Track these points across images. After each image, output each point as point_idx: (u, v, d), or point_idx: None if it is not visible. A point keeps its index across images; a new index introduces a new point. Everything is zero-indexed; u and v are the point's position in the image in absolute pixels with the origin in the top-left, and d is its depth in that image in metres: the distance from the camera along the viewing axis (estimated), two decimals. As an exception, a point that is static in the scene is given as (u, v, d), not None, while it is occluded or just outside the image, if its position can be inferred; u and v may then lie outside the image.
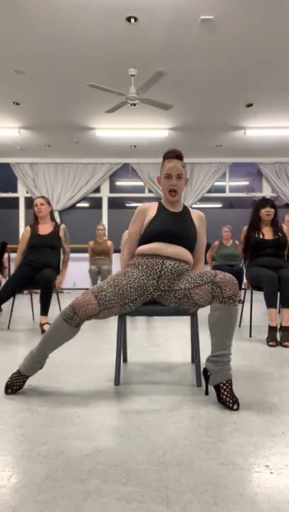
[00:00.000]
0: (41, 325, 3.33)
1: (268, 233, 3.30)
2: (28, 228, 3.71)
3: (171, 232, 1.89)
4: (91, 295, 1.72)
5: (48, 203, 3.71)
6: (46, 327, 3.29)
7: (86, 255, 8.23)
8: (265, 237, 3.26)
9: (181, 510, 0.94)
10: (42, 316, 3.39)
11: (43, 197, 3.71)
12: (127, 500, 0.97)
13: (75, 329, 1.73)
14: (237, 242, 5.65)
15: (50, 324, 3.38)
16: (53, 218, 3.77)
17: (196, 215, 2.05)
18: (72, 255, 8.24)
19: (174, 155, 1.93)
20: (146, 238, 1.93)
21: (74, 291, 7.72)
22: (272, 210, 3.29)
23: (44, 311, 3.40)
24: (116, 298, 1.73)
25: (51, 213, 3.76)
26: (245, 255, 3.37)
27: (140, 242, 1.98)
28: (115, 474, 1.09)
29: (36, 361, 1.75)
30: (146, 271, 1.83)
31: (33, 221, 3.73)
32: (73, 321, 1.70)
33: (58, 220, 8.12)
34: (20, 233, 8.46)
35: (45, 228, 3.68)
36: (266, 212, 3.28)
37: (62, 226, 3.75)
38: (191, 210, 2.07)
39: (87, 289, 8.02)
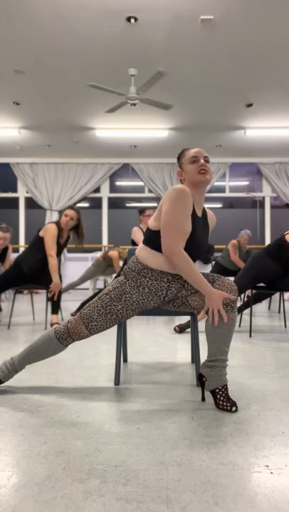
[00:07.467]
0: (52, 324, 3.38)
1: None
2: (56, 228, 3.47)
3: (197, 253, 1.69)
4: (82, 325, 1.69)
5: (79, 219, 3.54)
6: None
7: (86, 255, 8.23)
8: None
9: (181, 510, 0.94)
10: (54, 315, 3.43)
11: (77, 211, 3.51)
12: (127, 500, 0.97)
13: (63, 347, 1.73)
14: (231, 247, 5.17)
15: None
16: (71, 228, 3.63)
17: (211, 220, 1.84)
18: (72, 255, 8.24)
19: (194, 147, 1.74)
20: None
21: (74, 291, 7.72)
22: None
23: (56, 310, 3.43)
24: (109, 323, 1.70)
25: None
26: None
27: (156, 238, 1.66)
28: (115, 474, 1.09)
29: (14, 369, 1.76)
30: (148, 295, 1.68)
31: (58, 225, 3.53)
32: (65, 341, 1.70)
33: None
34: (21, 233, 8.45)
35: (63, 236, 3.63)
36: None
37: (70, 236, 3.74)
38: (206, 210, 1.83)
39: (87, 289, 8.01)
